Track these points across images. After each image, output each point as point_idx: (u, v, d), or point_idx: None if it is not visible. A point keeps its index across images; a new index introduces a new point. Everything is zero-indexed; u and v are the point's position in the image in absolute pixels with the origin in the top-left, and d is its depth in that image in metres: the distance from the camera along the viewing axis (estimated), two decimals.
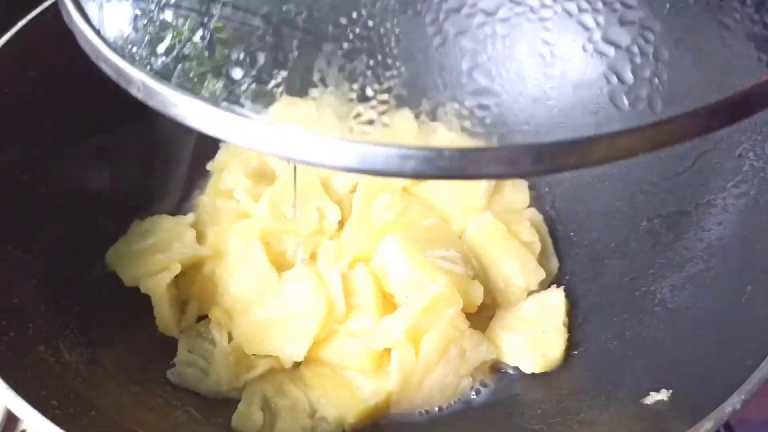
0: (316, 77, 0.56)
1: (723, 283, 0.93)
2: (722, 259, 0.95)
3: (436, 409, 1.01)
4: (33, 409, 0.75)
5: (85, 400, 0.86)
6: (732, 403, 0.71)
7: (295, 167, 1.03)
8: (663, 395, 0.85)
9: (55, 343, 0.92)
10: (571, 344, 1.04)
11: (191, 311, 1.10)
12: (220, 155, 1.27)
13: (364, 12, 0.57)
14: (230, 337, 1.04)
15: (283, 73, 0.56)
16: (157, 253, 1.11)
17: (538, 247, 1.14)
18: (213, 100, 0.54)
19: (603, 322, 1.05)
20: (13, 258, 0.95)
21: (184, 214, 1.21)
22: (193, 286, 1.11)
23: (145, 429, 0.89)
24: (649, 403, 0.86)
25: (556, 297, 1.08)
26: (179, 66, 0.58)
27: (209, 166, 1.27)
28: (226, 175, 1.20)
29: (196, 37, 0.60)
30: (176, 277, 1.08)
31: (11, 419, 1.01)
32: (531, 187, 1.24)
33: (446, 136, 1.18)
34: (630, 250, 1.09)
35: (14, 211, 0.97)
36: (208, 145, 1.30)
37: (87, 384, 0.90)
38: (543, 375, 1.02)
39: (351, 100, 0.58)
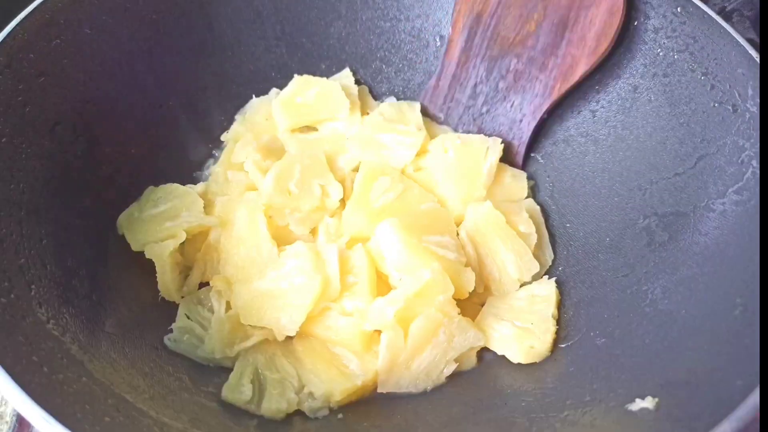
0: None
1: (716, 290, 0.82)
2: (717, 266, 0.84)
3: (423, 390, 0.92)
4: (10, 379, 0.66)
5: (78, 364, 0.78)
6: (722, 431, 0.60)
7: None
8: (648, 403, 0.76)
9: (56, 305, 0.83)
10: (559, 337, 0.95)
11: (194, 277, 1.02)
12: (235, 127, 1.19)
13: None
14: (228, 307, 0.96)
15: None
16: (166, 221, 1.02)
17: (534, 239, 1.03)
18: None
19: (593, 317, 0.95)
20: (23, 218, 0.86)
21: (198, 182, 1.13)
22: (198, 254, 1.03)
23: (135, 395, 0.80)
24: (633, 409, 0.76)
25: (547, 289, 0.98)
26: None
27: (224, 137, 1.18)
28: (238, 147, 1.11)
29: None
30: (182, 243, 1.00)
31: (23, 424, 0.92)
32: (530, 177, 1.14)
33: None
34: (624, 246, 0.98)
35: (25, 172, 0.89)
36: (226, 117, 1.21)
37: (82, 348, 0.81)
38: (529, 366, 0.93)
39: None
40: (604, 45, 1.01)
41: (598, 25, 1.01)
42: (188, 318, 0.96)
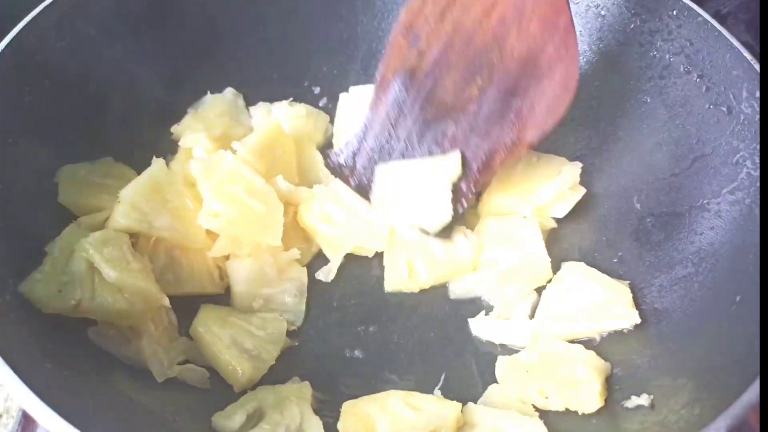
0: None
1: (712, 289, 0.82)
2: (712, 265, 0.85)
3: None
4: (15, 376, 0.65)
5: (82, 361, 0.79)
6: (716, 428, 0.60)
7: None
8: (644, 400, 0.76)
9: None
10: None
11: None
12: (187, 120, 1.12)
13: None
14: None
15: None
16: (105, 194, 0.96)
17: None
18: None
19: None
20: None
21: None
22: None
23: (138, 390, 0.81)
24: (629, 406, 0.77)
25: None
26: None
27: (174, 128, 1.12)
28: (188, 133, 1.06)
29: None
30: None
31: (29, 420, 0.89)
32: None
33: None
34: (621, 245, 0.98)
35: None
36: None
37: (87, 344, 0.82)
38: None
39: None
40: (553, 120, 0.92)
41: (549, 98, 0.92)
42: None
